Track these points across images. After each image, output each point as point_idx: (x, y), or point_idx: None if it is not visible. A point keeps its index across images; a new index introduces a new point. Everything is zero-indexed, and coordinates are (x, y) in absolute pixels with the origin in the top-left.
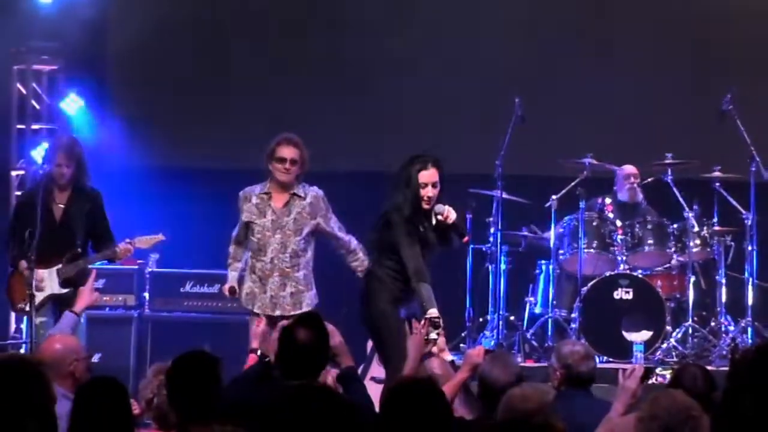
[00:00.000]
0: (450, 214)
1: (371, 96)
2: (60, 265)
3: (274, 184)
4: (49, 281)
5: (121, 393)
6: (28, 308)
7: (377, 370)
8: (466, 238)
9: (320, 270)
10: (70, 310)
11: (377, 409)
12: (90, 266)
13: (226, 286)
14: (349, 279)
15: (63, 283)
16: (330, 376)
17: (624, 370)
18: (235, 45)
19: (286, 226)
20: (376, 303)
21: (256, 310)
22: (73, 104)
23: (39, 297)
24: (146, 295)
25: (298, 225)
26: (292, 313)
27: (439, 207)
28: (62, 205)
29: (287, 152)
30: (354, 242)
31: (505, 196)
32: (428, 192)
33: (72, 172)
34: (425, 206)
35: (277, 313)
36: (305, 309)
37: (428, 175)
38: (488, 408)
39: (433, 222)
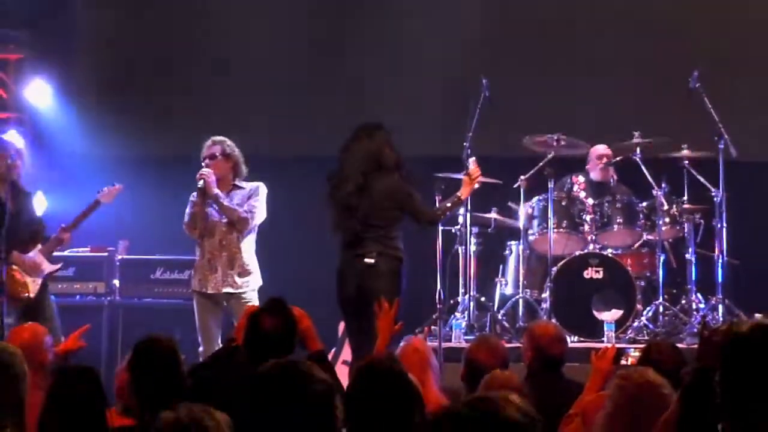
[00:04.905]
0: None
1: (334, 78)
2: (40, 246)
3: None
4: (42, 262)
5: (96, 382)
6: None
7: (349, 353)
8: None
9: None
10: None
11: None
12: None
13: None
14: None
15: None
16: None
17: (596, 350)
18: (206, 30)
19: None
20: (397, 282)
21: (210, 291)
22: (39, 93)
23: (39, 280)
24: (116, 282)
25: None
26: (239, 291)
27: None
28: (6, 197)
29: (206, 150)
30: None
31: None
32: None
33: None
34: None
35: (227, 290)
36: (251, 289)
37: None
38: (471, 390)
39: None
